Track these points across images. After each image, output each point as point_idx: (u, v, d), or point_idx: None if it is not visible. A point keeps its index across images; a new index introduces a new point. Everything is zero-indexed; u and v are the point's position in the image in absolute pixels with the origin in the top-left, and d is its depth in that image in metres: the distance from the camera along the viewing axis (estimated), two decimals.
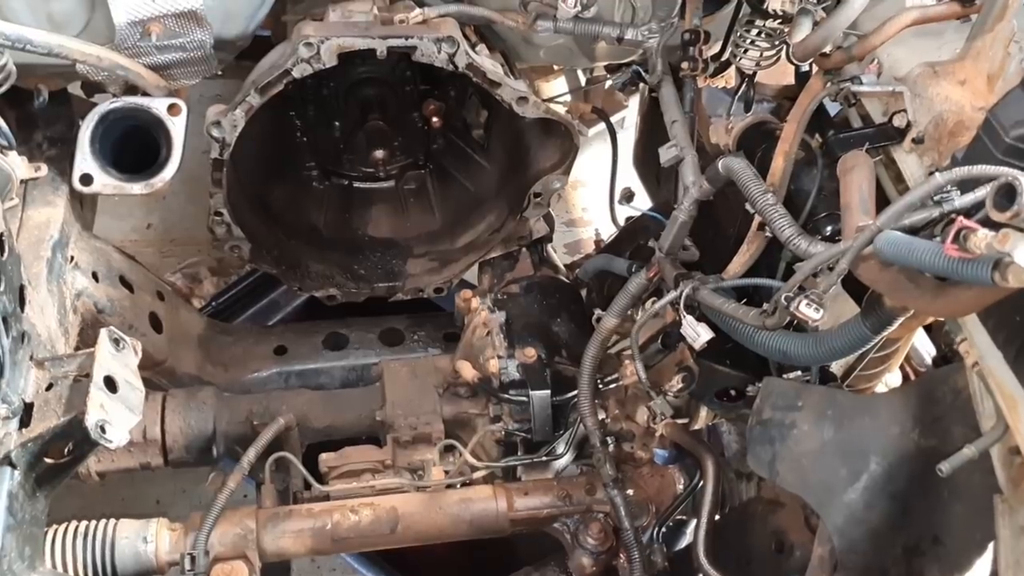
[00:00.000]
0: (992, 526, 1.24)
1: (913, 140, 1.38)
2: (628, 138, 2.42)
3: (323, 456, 1.83)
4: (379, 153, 2.17)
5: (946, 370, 1.35)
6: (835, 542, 1.33)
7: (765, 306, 1.36)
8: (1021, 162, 1.13)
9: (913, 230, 1.15)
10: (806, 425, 1.40)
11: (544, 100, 2.25)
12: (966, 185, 1.10)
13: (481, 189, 2.16)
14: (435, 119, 2.13)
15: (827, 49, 1.45)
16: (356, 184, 2.23)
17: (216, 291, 2.93)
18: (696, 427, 1.95)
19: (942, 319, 1.37)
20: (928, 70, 1.38)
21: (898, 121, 1.40)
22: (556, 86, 2.60)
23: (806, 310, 1.23)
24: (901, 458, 1.33)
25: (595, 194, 3.33)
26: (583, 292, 2.11)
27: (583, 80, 2.42)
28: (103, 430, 1.36)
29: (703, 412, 1.95)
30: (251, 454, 1.72)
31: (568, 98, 2.52)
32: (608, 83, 2.28)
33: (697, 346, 1.50)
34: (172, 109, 1.81)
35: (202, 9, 1.71)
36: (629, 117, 2.83)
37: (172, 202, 3.12)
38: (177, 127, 1.81)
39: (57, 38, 1.59)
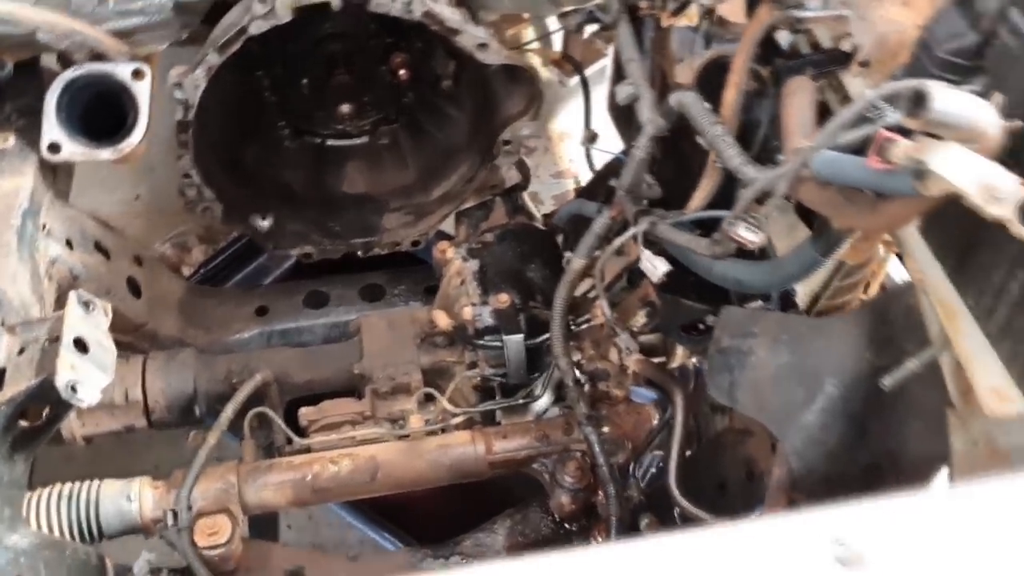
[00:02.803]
0: (948, 441, 1.28)
1: (860, 63, 1.40)
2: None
3: (303, 410, 1.90)
4: (347, 109, 2.21)
5: (897, 289, 1.39)
6: (792, 463, 1.38)
7: (715, 235, 1.39)
8: (954, 75, 1.16)
9: (853, 150, 1.19)
10: (762, 351, 1.45)
11: (516, 48, 2.28)
12: (898, 101, 1.13)
13: (453, 140, 2.20)
14: (402, 72, 2.17)
15: None
16: (328, 142, 2.27)
17: (205, 258, 3.00)
18: (674, 365, 2.00)
19: (890, 240, 1.40)
20: None
21: (845, 45, 1.42)
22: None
23: (745, 233, 1.27)
24: (856, 379, 1.37)
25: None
26: (560, 238, 2.15)
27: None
28: (74, 390, 1.41)
29: (680, 350, 2.00)
30: (229, 410, 1.78)
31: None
32: (588, 31, 2.31)
33: (655, 279, 1.54)
34: (136, 74, 1.85)
35: None
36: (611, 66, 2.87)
37: (159, 173, 3.17)
38: (142, 91, 1.85)
39: (8, 5, 1.63)
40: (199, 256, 3.07)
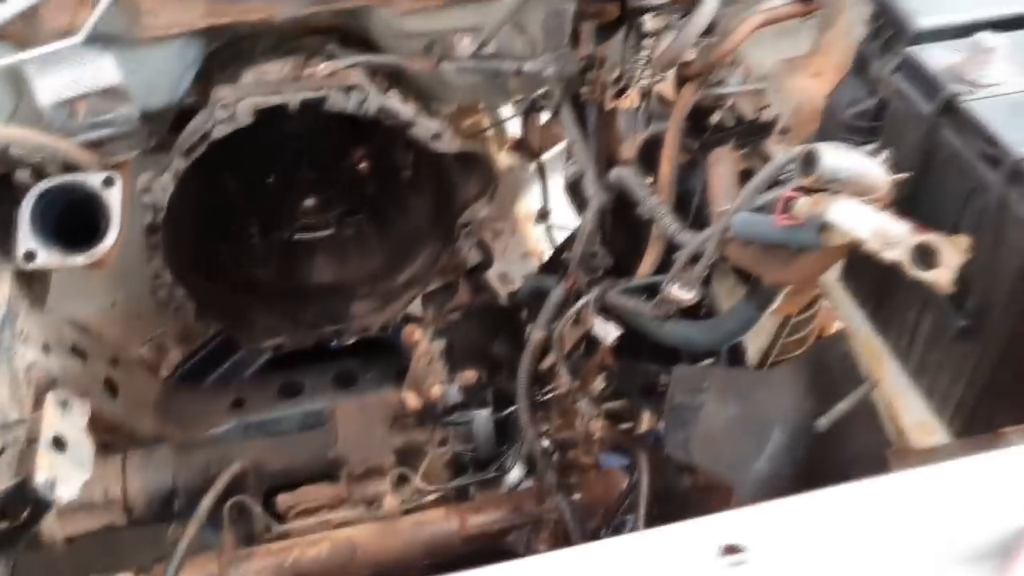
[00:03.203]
0: None
1: (779, 132, 1.53)
2: None
3: (280, 497, 1.96)
4: (313, 203, 2.33)
5: (832, 338, 1.49)
6: None
7: (657, 298, 1.50)
8: (857, 137, 1.28)
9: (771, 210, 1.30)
10: (712, 405, 1.54)
11: (474, 136, 2.41)
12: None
13: (415, 226, 2.31)
14: (364, 165, 2.29)
15: (689, 58, 1.60)
16: (296, 236, 2.37)
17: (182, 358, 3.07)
18: (643, 429, 2.08)
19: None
20: (786, 66, 1.55)
21: (765, 116, 1.55)
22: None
23: (679, 293, 1.37)
24: (800, 425, 1.46)
25: None
26: (523, 314, 2.25)
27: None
28: (53, 487, 1.48)
29: (647, 415, 2.08)
30: (207, 501, 1.84)
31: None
32: (543, 117, 2.45)
33: (608, 343, 1.63)
34: (107, 182, 1.96)
35: (124, 84, 1.86)
36: None
37: (135, 278, 3.26)
38: (113, 199, 1.96)
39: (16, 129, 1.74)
40: (177, 357, 3.14)
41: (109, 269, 2.08)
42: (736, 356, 1.69)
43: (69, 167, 1.98)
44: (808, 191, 1.10)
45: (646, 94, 1.96)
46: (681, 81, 1.70)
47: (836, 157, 1.04)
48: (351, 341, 2.31)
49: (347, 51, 1.95)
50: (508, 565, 0.69)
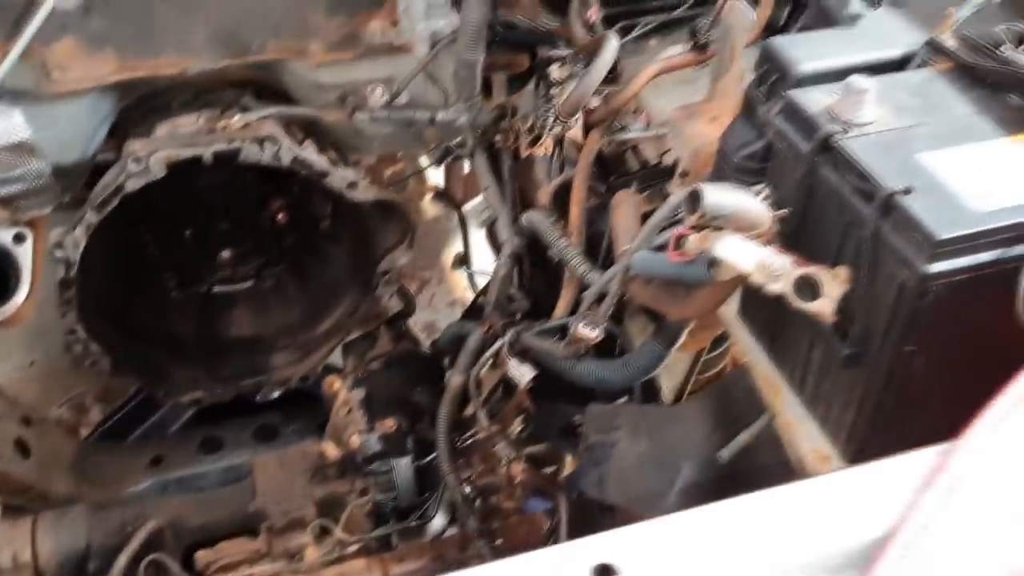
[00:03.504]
0: None
1: (680, 175, 1.59)
2: None
3: (198, 553, 1.93)
4: (231, 255, 2.33)
5: (736, 372, 1.53)
6: None
7: (566, 338, 1.53)
8: (748, 177, 1.34)
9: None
10: (625, 442, 1.57)
11: (394, 185, 2.44)
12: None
13: (335, 275, 2.32)
14: (281, 216, 2.31)
15: (593, 106, 1.66)
16: (215, 289, 2.37)
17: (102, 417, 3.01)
18: (566, 472, 2.10)
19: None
20: (685, 112, 1.61)
21: (667, 160, 1.61)
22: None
23: (584, 331, 1.41)
24: (708, 459, 1.49)
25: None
26: (446, 361, 2.27)
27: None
28: None
29: (569, 458, 2.11)
30: (122, 560, 1.81)
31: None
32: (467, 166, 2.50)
33: (523, 385, 1.66)
34: (18, 239, 1.95)
35: (34, 139, 1.86)
36: None
37: (53, 337, 3.21)
38: (23, 255, 1.95)
39: None
40: (97, 416, 3.08)
41: (26, 327, 2.06)
42: (650, 393, 1.73)
43: None
44: (697, 228, 1.15)
45: (559, 142, 2.03)
46: (587, 128, 1.76)
47: (718, 195, 1.09)
48: (272, 396, 2.30)
49: (262, 104, 1.98)
50: None
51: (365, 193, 2.02)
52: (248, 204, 2.32)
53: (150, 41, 1.84)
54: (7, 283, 1.96)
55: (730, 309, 1.42)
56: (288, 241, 2.38)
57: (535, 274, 1.91)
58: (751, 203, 1.11)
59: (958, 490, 0.70)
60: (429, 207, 3.05)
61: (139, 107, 2.00)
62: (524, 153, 2.09)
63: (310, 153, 1.96)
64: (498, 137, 2.02)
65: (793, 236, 1.19)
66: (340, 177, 1.98)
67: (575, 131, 1.97)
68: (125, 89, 1.95)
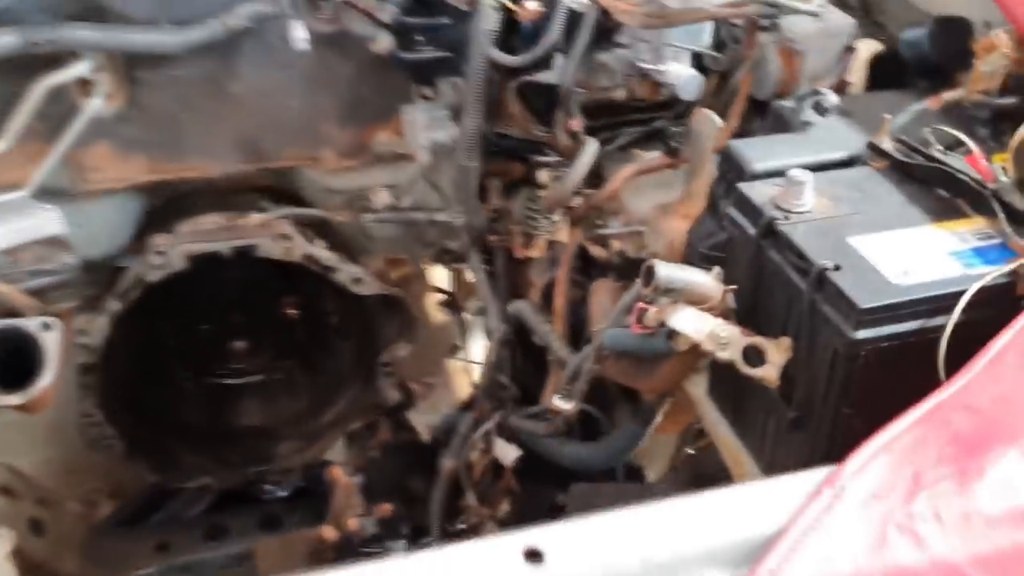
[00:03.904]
0: None
1: None
2: None
3: None
4: (244, 349, 2.47)
5: (710, 450, 1.63)
6: None
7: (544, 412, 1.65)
8: (712, 265, 1.47)
9: None
10: None
11: (400, 285, 2.60)
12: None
13: (340, 368, 2.46)
14: (293, 311, 2.46)
15: (574, 204, 1.82)
16: (226, 380, 2.50)
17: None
18: None
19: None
20: (660, 210, 1.77)
21: (644, 254, 1.76)
22: None
23: (558, 403, 1.52)
24: None
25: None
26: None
27: None
28: None
29: None
30: None
31: None
32: None
33: (508, 464, 1.76)
34: (45, 327, 2.09)
35: (67, 235, 2.03)
36: None
37: (70, 434, 3.32)
38: (50, 343, 2.09)
39: None
40: (107, 510, 3.17)
41: (46, 422, 2.18)
42: (632, 472, 1.82)
43: (10, 312, 2.12)
44: (654, 303, 1.28)
45: (551, 243, 2.18)
46: (572, 224, 1.91)
47: (670, 269, 1.23)
48: (277, 484, 2.40)
49: (277, 206, 2.15)
50: None
51: (370, 288, 2.17)
52: (262, 301, 2.48)
53: (177, 147, 2.04)
54: (31, 369, 2.10)
55: (700, 390, 1.54)
56: (298, 335, 2.52)
57: (525, 363, 2.03)
58: (700, 277, 1.25)
59: (840, 499, 0.81)
60: (436, 313, 3.20)
61: (164, 209, 2.18)
62: (519, 254, 2.25)
63: (319, 250, 2.12)
64: (494, 238, 2.18)
65: (747, 313, 1.32)
66: (347, 273, 2.14)
67: (560, 231, 2.13)
68: (152, 191, 2.13)
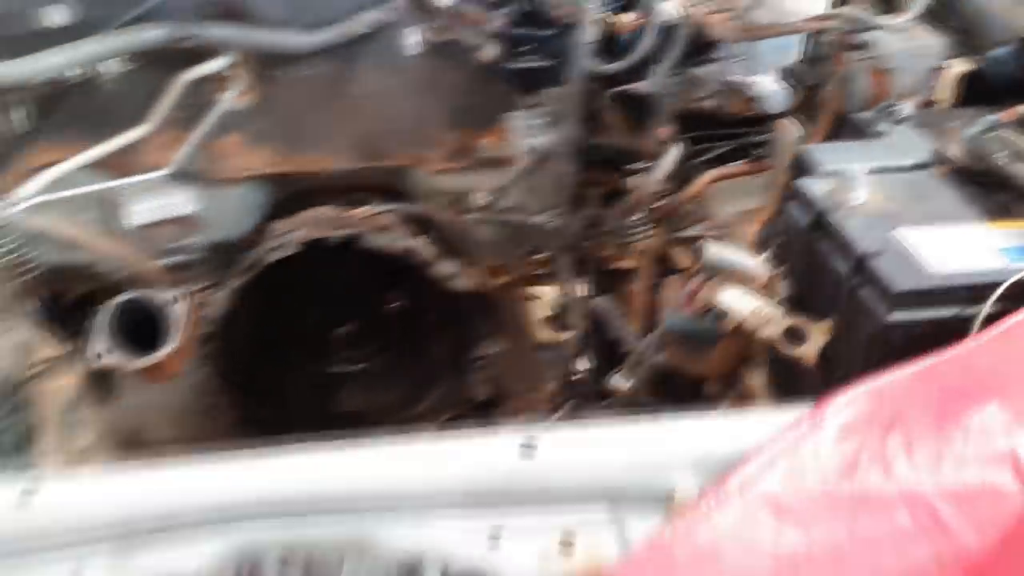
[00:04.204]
0: None
1: None
2: None
3: None
4: (347, 339, 2.64)
5: None
6: None
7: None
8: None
9: None
10: None
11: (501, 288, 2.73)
12: None
13: (436, 361, 2.60)
14: (396, 304, 2.63)
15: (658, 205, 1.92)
16: (331, 368, 2.68)
17: None
18: None
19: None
20: (741, 215, 1.84)
21: None
22: None
23: (616, 383, 1.61)
24: None
25: None
26: None
27: None
28: None
29: None
30: None
31: None
32: None
33: None
34: (174, 300, 2.32)
35: (199, 215, 2.25)
36: None
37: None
38: (176, 314, 2.31)
39: (83, 234, 2.12)
40: None
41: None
42: None
43: (144, 284, 2.36)
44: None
45: (643, 251, 2.28)
46: (654, 224, 2.01)
47: (719, 249, 1.31)
48: None
49: (385, 202, 2.33)
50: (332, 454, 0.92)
51: (465, 282, 2.31)
52: (367, 294, 2.65)
53: (300, 141, 2.23)
54: (158, 339, 2.33)
55: (760, 382, 1.60)
56: (398, 328, 2.68)
57: (600, 359, 2.12)
58: (748, 260, 1.33)
59: (819, 428, 0.87)
60: (542, 331, 3.32)
61: (284, 198, 2.38)
62: (613, 264, 2.35)
63: (420, 244, 2.28)
64: (589, 243, 2.29)
65: (797, 300, 1.39)
66: (444, 267, 2.28)
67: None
68: (275, 181, 2.33)
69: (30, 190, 2.01)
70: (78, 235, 2.12)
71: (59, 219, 2.06)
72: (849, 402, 0.91)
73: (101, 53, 1.96)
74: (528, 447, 0.90)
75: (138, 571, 0.89)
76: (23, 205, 1.97)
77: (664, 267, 1.97)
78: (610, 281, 2.36)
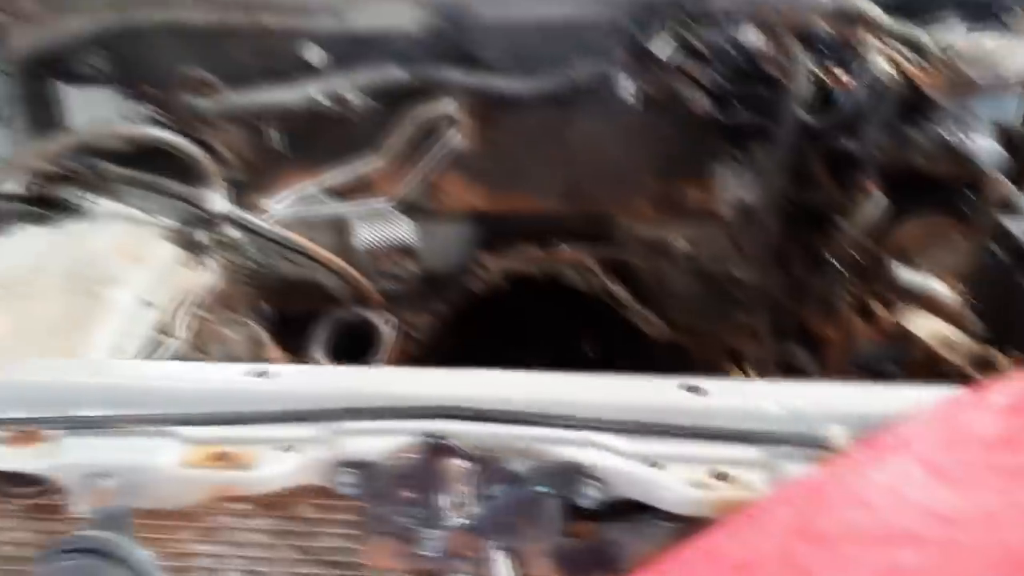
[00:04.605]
0: None
1: None
2: None
3: None
4: None
5: None
6: None
7: None
8: None
9: None
10: None
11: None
12: None
13: None
14: (586, 347, 2.72)
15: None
16: None
17: None
18: None
19: None
20: (943, 271, 1.82)
21: None
22: None
23: None
24: None
25: None
26: None
27: None
28: None
29: None
30: None
31: None
32: None
33: None
34: (387, 322, 2.52)
35: (417, 245, 2.45)
36: None
37: None
38: (388, 336, 2.51)
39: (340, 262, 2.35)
40: None
41: None
42: None
43: (362, 304, 2.57)
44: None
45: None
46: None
47: (910, 274, 1.32)
48: None
49: (587, 245, 2.45)
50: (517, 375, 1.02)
51: (660, 331, 2.37)
52: (562, 334, 2.76)
53: (514, 182, 2.40)
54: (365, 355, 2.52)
55: None
56: (589, 370, 2.76)
57: None
58: (940, 286, 1.33)
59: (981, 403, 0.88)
60: None
61: (493, 239, 2.55)
62: (816, 328, 2.34)
63: (618, 289, 2.37)
64: (789, 304, 2.30)
65: (993, 334, 1.37)
66: (638, 312, 2.37)
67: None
68: (486, 220, 2.51)
69: (277, 206, 2.28)
70: (314, 251, 2.33)
71: (299, 235, 2.30)
72: (1015, 384, 0.91)
73: (348, 88, 2.21)
74: (694, 389, 0.97)
75: (340, 448, 1.04)
76: (272, 219, 2.23)
77: (864, 321, 1.95)
78: (811, 343, 2.35)
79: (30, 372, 1.20)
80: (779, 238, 2.26)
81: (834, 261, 1.99)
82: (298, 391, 1.16)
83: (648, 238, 2.43)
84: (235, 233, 2.11)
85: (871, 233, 1.90)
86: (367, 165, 2.32)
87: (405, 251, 2.47)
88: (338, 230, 2.43)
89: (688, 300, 2.54)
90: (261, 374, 1.19)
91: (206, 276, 2.01)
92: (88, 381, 1.19)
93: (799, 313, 2.29)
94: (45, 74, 2.24)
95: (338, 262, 2.35)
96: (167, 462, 1.11)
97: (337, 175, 2.32)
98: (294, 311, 2.57)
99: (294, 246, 2.21)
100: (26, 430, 1.12)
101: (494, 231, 2.52)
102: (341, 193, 2.37)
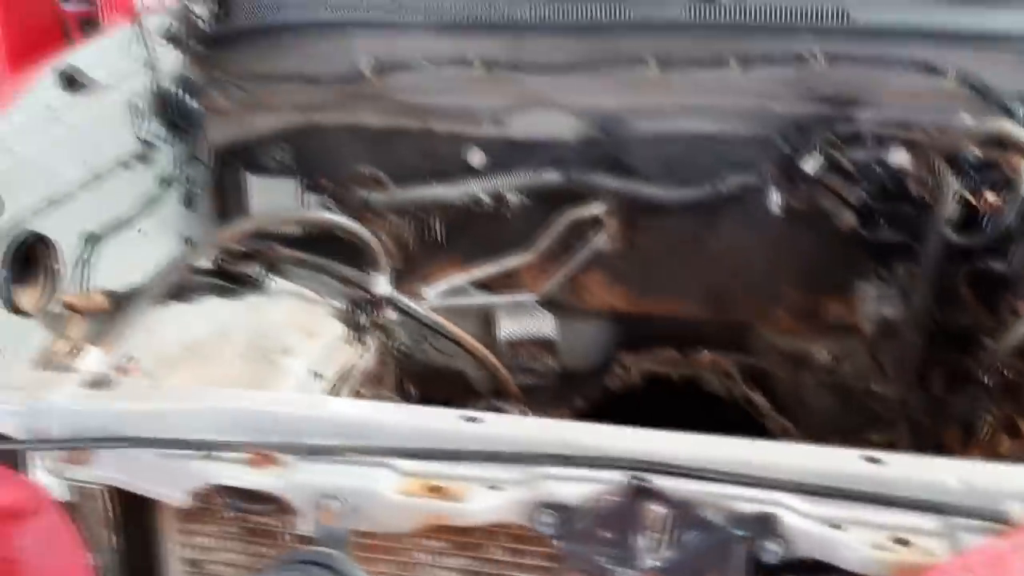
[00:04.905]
0: None
1: None
2: None
3: None
4: None
5: None
6: None
7: None
8: None
9: None
10: None
11: None
12: None
13: None
14: None
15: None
16: None
17: None
18: None
19: None
20: None
21: None
22: None
23: None
24: None
25: None
26: None
27: None
28: None
29: None
30: None
31: None
32: None
33: None
34: (523, 415, 2.61)
35: (556, 340, 2.55)
36: None
37: None
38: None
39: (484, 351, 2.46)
40: None
41: None
42: None
43: (497, 395, 2.67)
44: None
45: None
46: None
47: None
48: None
49: (724, 352, 2.50)
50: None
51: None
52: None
53: (655, 286, 2.49)
54: None
55: None
56: None
57: None
58: None
59: None
60: None
61: (631, 340, 2.62)
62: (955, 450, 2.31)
63: (756, 396, 2.41)
64: (929, 424, 2.28)
65: None
66: (778, 422, 2.39)
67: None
68: (625, 321, 2.59)
69: (431, 294, 2.43)
70: (463, 339, 2.45)
71: (448, 323, 2.44)
72: None
73: (505, 188, 2.36)
74: (872, 459, 1.05)
75: (543, 490, 1.17)
76: (426, 305, 2.37)
77: (1010, 439, 1.93)
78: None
79: (264, 403, 1.35)
80: (921, 356, 2.26)
81: (980, 380, 1.99)
82: (505, 436, 1.26)
83: (788, 349, 2.46)
84: (392, 316, 2.25)
85: (1019, 353, 1.90)
86: (516, 260, 2.45)
87: (546, 345, 2.57)
88: (483, 321, 2.56)
89: (826, 413, 2.54)
90: (471, 419, 1.31)
91: (367, 355, 2.15)
92: (316, 414, 1.33)
93: (939, 432, 2.27)
94: (235, 164, 2.50)
95: (483, 351, 2.46)
96: (387, 489, 1.23)
97: (487, 268, 2.46)
98: (435, 397, 2.70)
99: (446, 333, 2.34)
100: (265, 453, 1.26)
101: (633, 332, 2.59)
102: (489, 286, 2.51)
